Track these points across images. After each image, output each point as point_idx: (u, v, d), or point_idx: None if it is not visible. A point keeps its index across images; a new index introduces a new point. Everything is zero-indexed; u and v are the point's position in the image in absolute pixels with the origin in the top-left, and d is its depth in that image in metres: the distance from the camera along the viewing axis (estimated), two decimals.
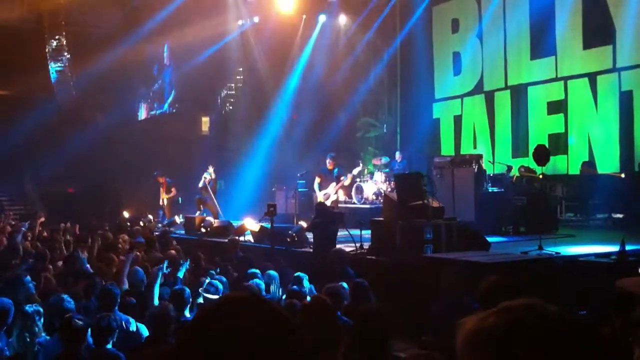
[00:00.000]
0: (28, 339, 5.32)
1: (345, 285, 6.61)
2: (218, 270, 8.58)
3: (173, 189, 18.15)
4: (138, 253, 9.44)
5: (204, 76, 21.51)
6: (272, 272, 7.91)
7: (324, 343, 3.75)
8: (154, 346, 4.94)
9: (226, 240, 11.86)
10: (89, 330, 5.10)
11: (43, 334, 5.45)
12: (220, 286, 7.01)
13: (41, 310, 5.56)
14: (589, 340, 1.24)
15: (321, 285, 6.48)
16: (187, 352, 1.28)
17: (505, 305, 1.29)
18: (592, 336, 1.25)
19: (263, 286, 7.23)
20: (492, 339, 1.24)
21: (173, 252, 9.95)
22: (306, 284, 7.36)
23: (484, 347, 1.24)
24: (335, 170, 15.12)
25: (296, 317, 4.19)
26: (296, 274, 7.55)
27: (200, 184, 16.49)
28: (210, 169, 16.56)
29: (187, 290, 6.32)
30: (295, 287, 7.02)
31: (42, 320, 5.51)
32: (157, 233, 14.20)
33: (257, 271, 7.73)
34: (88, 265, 8.59)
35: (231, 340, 1.24)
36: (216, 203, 16.39)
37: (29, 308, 5.47)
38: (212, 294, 6.74)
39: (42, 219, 15.13)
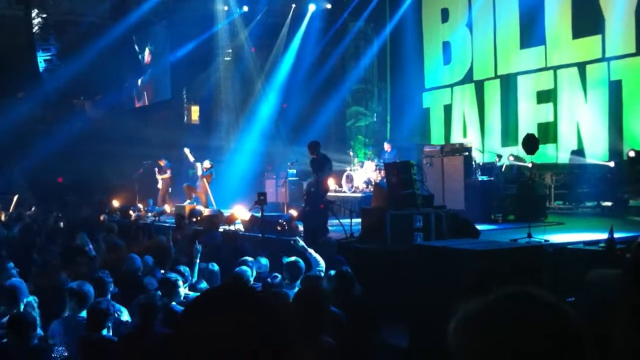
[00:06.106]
0: None
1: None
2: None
3: (168, 171, 18.03)
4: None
5: (194, 65, 21.42)
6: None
7: (311, 329, 3.73)
8: (141, 334, 4.94)
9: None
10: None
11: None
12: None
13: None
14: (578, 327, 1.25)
15: None
16: (179, 343, 1.29)
17: (497, 292, 1.29)
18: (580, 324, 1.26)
19: (250, 273, 7.16)
20: (482, 324, 1.24)
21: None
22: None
23: (473, 333, 1.25)
24: None
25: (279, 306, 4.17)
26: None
27: (200, 173, 16.41)
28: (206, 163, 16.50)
29: (176, 276, 6.28)
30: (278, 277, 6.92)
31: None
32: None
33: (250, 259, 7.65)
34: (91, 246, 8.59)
35: (218, 331, 1.25)
36: (209, 192, 16.28)
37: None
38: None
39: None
